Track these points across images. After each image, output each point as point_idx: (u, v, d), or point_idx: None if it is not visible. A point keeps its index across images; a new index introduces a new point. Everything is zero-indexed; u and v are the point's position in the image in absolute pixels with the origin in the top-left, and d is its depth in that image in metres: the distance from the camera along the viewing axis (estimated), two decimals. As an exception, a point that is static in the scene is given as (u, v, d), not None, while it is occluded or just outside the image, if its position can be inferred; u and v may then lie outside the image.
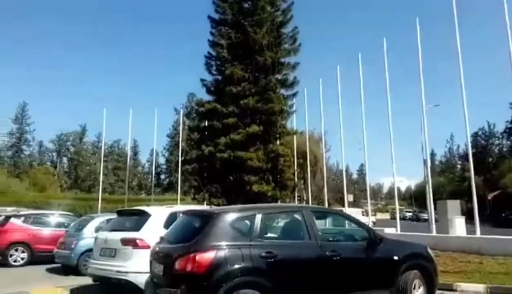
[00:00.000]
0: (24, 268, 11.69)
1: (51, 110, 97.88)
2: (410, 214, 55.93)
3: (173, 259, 4.80)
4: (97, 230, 9.58)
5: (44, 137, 78.57)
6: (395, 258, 5.91)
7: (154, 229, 6.99)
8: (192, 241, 4.83)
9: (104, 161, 72.47)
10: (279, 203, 7.14)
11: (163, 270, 5.02)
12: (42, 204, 34.87)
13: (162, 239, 5.67)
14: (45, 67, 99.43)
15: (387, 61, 17.53)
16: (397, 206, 19.13)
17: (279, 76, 23.31)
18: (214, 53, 23.67)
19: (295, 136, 23.65)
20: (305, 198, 26.64)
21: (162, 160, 76.20)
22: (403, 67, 48.99)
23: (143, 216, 7.64)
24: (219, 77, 23.41)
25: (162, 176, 76.94)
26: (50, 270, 11.07)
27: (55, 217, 13.87)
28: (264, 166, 21.18)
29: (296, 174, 23.33)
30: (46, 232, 12.75)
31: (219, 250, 4.72)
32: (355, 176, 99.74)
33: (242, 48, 22.55)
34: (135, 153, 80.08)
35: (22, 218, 12.94)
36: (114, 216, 8.72)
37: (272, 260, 4.90)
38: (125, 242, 7.18)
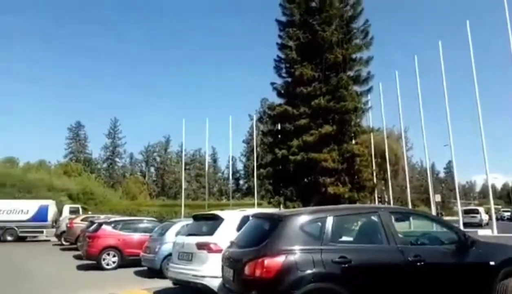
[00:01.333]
0: (115, 271, 12.58)
1: (139, 123, 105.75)
2: (509, 213, 50.92)
3: (242, 263, 4.71)
4: (178, 234, 9.95)
5: (134, 150, 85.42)
6: (491, 263, 5.19)
7: (227, 233, 7.01)
8: (261, 245, 4.69)
9: (186, 169, 77.08)
10: (353, 204, 6.70)
11: (233, 275, 4.96)
12: (134, 211, 37.86)
13: (232, 243, 5.63)
14: (132, 84, 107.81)
15: (474, 48, 15.95)
16: (492, 205, 17.23)
17: (351, 73, 22.51)
18: (282, 56, 23.63)
19: (371, 135, 22.57)
20: (386, 199, 25.25)
21: (240, 166, 78.35)
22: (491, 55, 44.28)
23: (217, 220, 7.74)
24: (289, 80, 23.28)
25: (241, 181, 78.93)
26: (137, 273, 11.73)
27: (141, 222, 14.83)
28: (340, 166, 20.50)
29: (374, 174, 22.19)
30: (134, 237, 13.59)
31: (288, 254, 4.51)
32: (442, 174, 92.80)
33: (311, 47, 22.18)
34: (214, 160, 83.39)
35: (113, 225, 13.95)
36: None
37: (347, 265, 4.57)
38: (200, 246, 7.31)
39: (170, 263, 8.24)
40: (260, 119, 25.79)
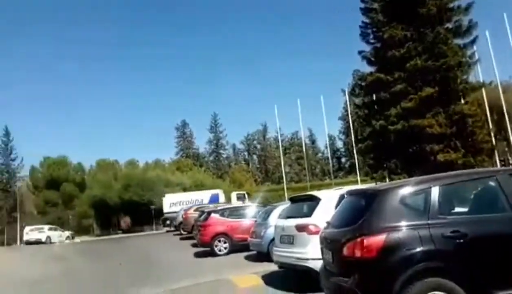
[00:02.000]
0: (227, 257, 13.28)
1: (237, 115, 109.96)
2: None
3: (340, 244, 4.46)
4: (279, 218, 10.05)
5: (236, 140, 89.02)
6: None
7: (326, 213, 6.78)
8: (358, 224, 4.38)
9: (286, 153, 78.10)
10: (461, 171, 5.86)
11: (332, 257, 4.75)
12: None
13: (328, 223, 5.40)
14: (228, 78, 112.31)
15: None
16: None
17: (449, 25, 19.95)
18: (368, 21, 22.08)
19: (483, 91, 19.86)
20: (511, 161, 22.18)
21: (340, 144, 76.61)
22: None
23: (314, 201, 7.58)
24: (378, 45, 21.66)
25: (343, 159, 77.25)
26: (248, 258, 12.19)
27: (247, 208, 15.39)
28: (448, 131, 18.44)
29: (492, 135, 19.55)
30: (241, 222, 14.14)
31: (390, 232, 4.13)
32: None
33: (398, 5, 20.15)
34: (312, 141, 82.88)
35: (220, 212, 14.71)
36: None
37: (462, 240, 4.03)
38: (300, 228, 7.24)
39: (273, 247, 8.34)
40: (352, 92, 24.57)
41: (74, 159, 56.96)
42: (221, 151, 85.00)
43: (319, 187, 33.02)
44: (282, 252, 7.73)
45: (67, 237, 36.41)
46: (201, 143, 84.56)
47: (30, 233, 33.71)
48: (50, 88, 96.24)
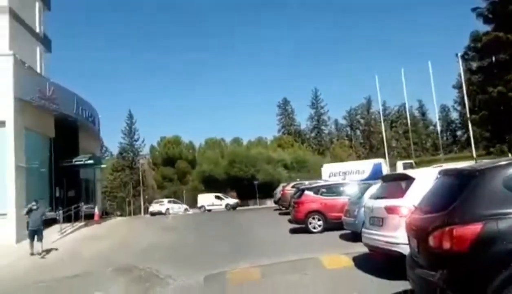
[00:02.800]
0: (321, 235, 13.01)
1: (339, 87, 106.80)
2: None
3: (426, 233, 3.86)
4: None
5: (338, 115, 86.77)
6: None
7: (419, 195, 6.03)
8: (448, 210, 3.72)
9: (393, 126, 73.38)
10: None
11: (417, 247, 4.16)
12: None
13: (416, 208, 4.74)
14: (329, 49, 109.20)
15: None
16: None
17: None
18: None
19: None
20: None
21: (455, 115, 69.07)
22: None
23: (407, 181, 6.84)
24: (496, -1, 18.41)
25: (459, 132, 69.68)
26: (342, 236, 11.77)
27: (343, 186, 14.77)
28: None
29: None
30: (336, 200, 13.68)
31: (488, 221, 3.42)
32: None
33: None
34: (422, 113, 76.43)
35: (314, 190, 14.41)
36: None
37: None
38: (389, 210, 6.63)
39: (363, 228, 7.81)
40: (464, 57, 21.32)
41: (186, 137, 61.91)
42: (323, 127, 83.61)
43: (429, 163, 30.21)
44: (371, 234, 7.19)
45: (185, 209, 39.33)
46: (303, 120, 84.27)
47: (154, 205, 38.98)
48: (164, 75, 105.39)
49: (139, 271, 9.53)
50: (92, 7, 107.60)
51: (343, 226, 11.56)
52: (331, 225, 13.00)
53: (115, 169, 57.85)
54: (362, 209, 10.19)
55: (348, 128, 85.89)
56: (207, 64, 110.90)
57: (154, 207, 38.33)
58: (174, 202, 40.09)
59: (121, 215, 37.93)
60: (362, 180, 23.44)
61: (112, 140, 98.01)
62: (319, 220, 13.47)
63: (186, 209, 39.60)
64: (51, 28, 30.96)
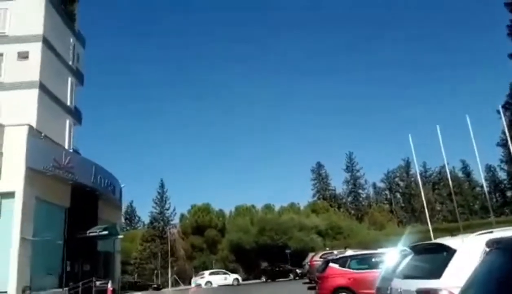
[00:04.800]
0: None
1: (377, 152, 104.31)
2: None
3: None
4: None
5: (375, 178, 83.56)
6: None
7: (462, 272, 4.26)
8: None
9: (435, 188, 69.08)
10: None
11: None
12: (382, 242, 35.42)
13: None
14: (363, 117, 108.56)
15: None
16: None
17: None
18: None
19: None
20: None
21: (503, 175, 64.30)
22: None
23: (445, 253, 5.03)
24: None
25: (509, 193, 64.28)
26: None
27: (376, 256, 12.61)
28: None
29: None
30: (368, 275, 11.55)
31: None
32: None
33: None
34: (467, 174, 71.90)
35: (341, 261, 12.38)
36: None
37: None
38: (423, 296, 4.77)
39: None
40: (505, 107, 19.41)
41: (216, 205, 60.67)
42: (360, 191, 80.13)
43: (476, 227, 27.00)
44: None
45: (235, 279, 35.36)
46: (338, 184, 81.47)
47: (195, 278, 36.79)
48: (193, 144, 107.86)
49: None
50: (124, 83, 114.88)
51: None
52: None
53: (145, 239, 56.83)
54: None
55: (387, 192, 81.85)
56: (234, 131, 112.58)
57: (195, 280, 36.16)
58: (217, 273, 36.57)
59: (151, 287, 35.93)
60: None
61: (145, 210, 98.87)
62: (347, 298, 11.34)
63: (236, 279, 35.47)
64: (83, 102, 32.23)
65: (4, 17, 23.32)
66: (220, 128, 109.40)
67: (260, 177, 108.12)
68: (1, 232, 15.35)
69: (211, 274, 35.97)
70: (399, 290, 5.45)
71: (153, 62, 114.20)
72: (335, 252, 17.30)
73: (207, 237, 53.25)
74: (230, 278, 35.35)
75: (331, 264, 12.26)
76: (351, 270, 11.91)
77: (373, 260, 12.35)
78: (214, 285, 33.70)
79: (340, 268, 12.04)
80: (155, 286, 38.38)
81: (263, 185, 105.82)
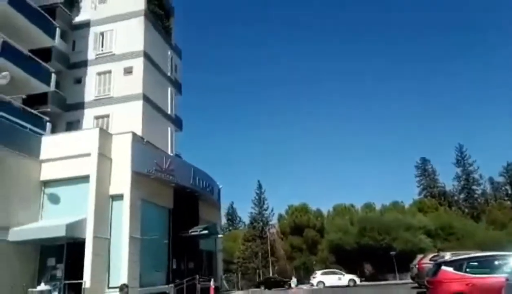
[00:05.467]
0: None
1: (491, 144, 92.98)
2: None
3: None
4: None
5: (492, 173, 74.31)
6: None
7: None
8: None
9: None
10: None
11: None
12: (505, 243, 31.00)
13: None
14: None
15: None
16: None
17: None
18: None
19: None
20: None
21: None
22: None
23: None
24: None
25: None
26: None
27: (500, 259, 10.75)
28: None
29: None
30: (490, 280, 9.91)
31: None
32: None
33: None
34: None
35: (456, 264, 10.76)
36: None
37: None
38: None
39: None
40: None
41: (314, 205, 59.70)
42: (474, 187, 71.79)
43: None
44: None
45: (351, 280, 33.64)
46: (447, 180, 74.18)
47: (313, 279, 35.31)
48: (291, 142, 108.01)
49: None
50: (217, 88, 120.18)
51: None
52: None
53: (246, 239, 58.39)
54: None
55: (507, 187, 71.95)
56: (329, 128, 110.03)
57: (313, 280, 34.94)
58: (331, 273, 34.94)
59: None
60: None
61: (245, 211, 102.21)
62: (465, 307, 9.79)
63: (352, 280, 33.65)
64: (183, 110, 34.26)
65: (111, 37, 25.83)
66: (314, 129, 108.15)
67: (359, 175, 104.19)
68: (113, 232, 16.78)
69: (323, 274, 34.53)
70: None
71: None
72: (448, 254, 15.29)
73: (306, 237, 52.69)
74: (345, 278, 33.48)
75: (443, 267, 10.73)
76: (469, 275, 10.29)
77: (496, 263, 10.55)
78: (327, 285, 32.47)
79: (455, 271, 10.47)
80: (283, 282, 38.13)
81: (362, 183, 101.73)
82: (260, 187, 64.80)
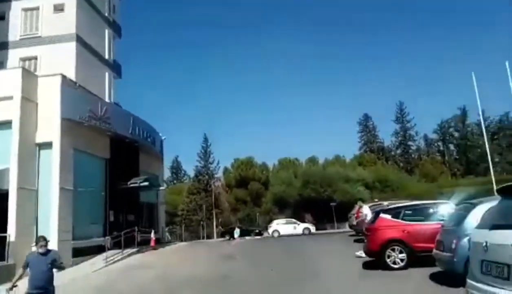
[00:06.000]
0: (404, 272, 9.65)
1: (427, 103, 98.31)
2: None
3: None
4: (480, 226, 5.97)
5: (426, 130, 79.06)
6: None
7: None
8: None
9: (494, 138, 63.91)
10: None
11: None
12: (434, 194, 33.35)
13: None
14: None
15: None
16: None
17: None
18: None
19: None
20: None
21: None
22: None
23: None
24: None
25: None
26: (433, 277, 8.41)
27: (431, 207, 11.14)
28: None
29: None
30: (423, 227, 10.28)
31: None
32: None
33: None
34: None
35: (393, 212, 11.02)
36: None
37: None
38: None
39: (468, 279, 4.57)
40: None
41: (260, 159, 60.30)
42: (410, 143, 76.21)
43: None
44: (484, 291, 3.99)
45: (305, 229, 34.10)
46: (386, 136, 78.02)
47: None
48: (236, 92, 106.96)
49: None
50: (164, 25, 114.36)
51: (435, 261, 8.20)
52: (418, 259, 9.66)
53: (191, 192, 58.13)
54: (464, 240, 6.88)
55: (439, 144, 77.25)
56: (277, 82, 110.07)
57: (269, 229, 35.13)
58: (286, 223, 35.40)
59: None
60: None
61: (190, 164, 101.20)
62: (400, 252, 10.09)
63: (306, 228, 34.18)
64: (123, 55, 31.70)
65: (36, -32, 22.65)
66: (260, 78, 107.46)
67: (303, 130, 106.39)
68: (42, 183, 15.40)
69: (279, 224, 35.01)
70: (484, 244, 4.09)
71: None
72: (385, 203, 15.86)
73: (250, 190, 53.46)
74: (300, 227, 34.17)
75: (382, 215, 10.96)
76: (405, 222, 10.59)
77: (430, 211, 10.96)
78: (282, 234, 32.71)
79: (393, 219, 10.73)
80: (257, 231, 37.40)
81: (306, 138, 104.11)
82: (206, 140, 63.99)
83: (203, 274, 12.20)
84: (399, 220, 10.64)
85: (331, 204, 39.79)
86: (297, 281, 9.99)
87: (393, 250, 10.15)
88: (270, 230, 34.57)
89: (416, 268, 9.58)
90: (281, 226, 34.47)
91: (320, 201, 41.58)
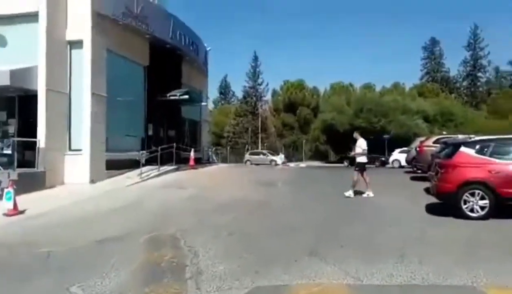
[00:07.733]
0: (484, 223, 7.60)
1: (504, 34, 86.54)
2: None
3: None
4: None
5: (501, 61, 70.31)
6: None
7: None
8: None
9: None
10: None
11: None
12: (507, 133, 29.53)
13: None
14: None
15: None
16: None
17: None
18: None
19: None
20: None
21: None
22: None
23: None
24: None
25: None
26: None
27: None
28: None
29: None
30: (512, 167, 7.98)
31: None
32: None
33: None
34: None
35: (478, 146, 8.61)
36: None
37: None
38: None
39: None
40: None
41: (311, 82, 56.95)
42: (480, 74, 68.59)
43: None
44: None
45: (272, 161, 37.92)
46: (454, 65, 70.33)
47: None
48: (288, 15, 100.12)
49: (175, 250, 5.96)
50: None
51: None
52: (506, 206, 7.68)
53: (238, 114, 57.05)
54: None
55: (513, 77, 68.83)
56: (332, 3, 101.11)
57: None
58: (257, 154, 40.16)
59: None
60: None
61: (239, 85, 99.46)
62: (482, 197, 7.91)
63: (273, 161, 37.71)
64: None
65: None
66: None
67: (360, 53, 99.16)
68: (74, 87, 14.27)
69: (251, 154, 40.40)
70: None
71: None
72: (460, 136, 13.20)
73: (299, 115, 51.33)
74: (267, 159, 37.75)
75: (462, 149, 8.59)
76: (492, 159, 8.24)
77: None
78: (253, 163, 36.39)
79: (476, 154, 8.38)
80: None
81: (362, 62, 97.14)
82: (256, 58, 61.14)
83: (238, 199, 10.89)
84: (486, 157, 8.31)
85: (385, 136, 36.98)
86: (358, 222, 8.30)
87: (473, 194, 7.99)
88: (244, 159, 38.14)
89: (502, 220, 7.52)
90: (253, 156, 38.87)
91: (372, 132, 38.69)
